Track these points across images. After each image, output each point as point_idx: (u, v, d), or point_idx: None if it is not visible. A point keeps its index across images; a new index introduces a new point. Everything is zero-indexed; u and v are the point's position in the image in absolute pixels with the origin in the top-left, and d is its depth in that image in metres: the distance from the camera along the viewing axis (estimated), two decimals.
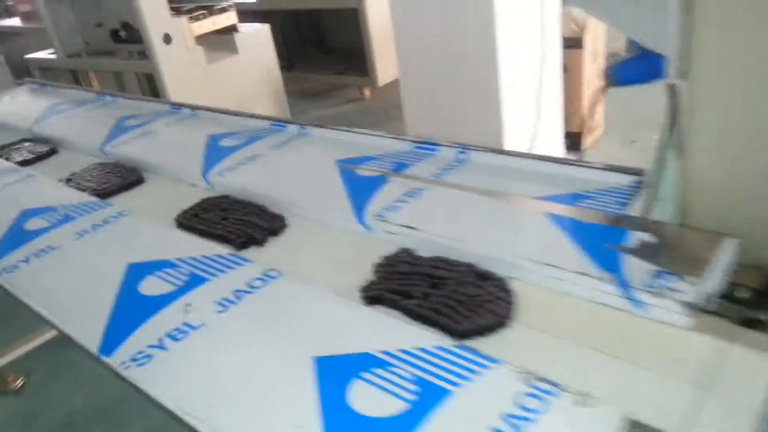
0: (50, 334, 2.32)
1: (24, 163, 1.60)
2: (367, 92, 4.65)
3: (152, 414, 2.14)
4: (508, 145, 2.91)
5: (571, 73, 3.30)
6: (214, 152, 1.42)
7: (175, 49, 3.27)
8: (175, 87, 3.30)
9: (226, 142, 1.47)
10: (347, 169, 1.24)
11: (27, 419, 2.17)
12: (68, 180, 1.42)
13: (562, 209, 0.94)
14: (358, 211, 1.06)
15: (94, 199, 1.29)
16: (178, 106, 1.78)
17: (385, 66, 4.47)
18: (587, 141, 3.54)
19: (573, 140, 3.46)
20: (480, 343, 0.76)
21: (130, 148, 1.54)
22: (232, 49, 3.65)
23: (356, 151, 1.31)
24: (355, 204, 1.09)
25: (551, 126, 3.15)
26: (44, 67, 3.84)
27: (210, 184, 1.30)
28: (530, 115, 2.94)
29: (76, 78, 3.85)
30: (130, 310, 0.89)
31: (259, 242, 1.07)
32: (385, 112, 4.32)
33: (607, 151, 3.49)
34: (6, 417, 2.18)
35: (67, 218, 1.20)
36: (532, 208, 0.97)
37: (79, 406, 2.21)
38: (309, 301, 0.86)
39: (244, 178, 1.28)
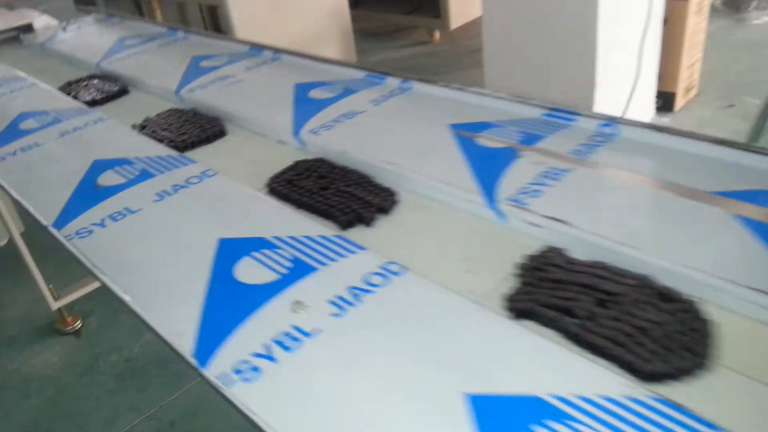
0: None
1: (93, 102, 1.46)
2: (436, 35, 4.38)
3: None
4: (599, 105, 2.65)
5: (671, 26, 2.98)
6: (305, 105, 1.25)
7: None
8: (240, 21, 3.11)
9: (316, 94, 1.30)
10: (465, 136, 1.06)
11: (86, 364, 2.13)
12: (142, 127, 1.28)
13: (763, 213, 0.75)
14: (487, 193, 0.89)
15: (172, 152, 1.14)
16: (258, 47, 1.60)
17: (459, 7, 4.18)
18: (680, 102, 3.24)
19: (665, 101, 3.16)
20: (674, 391, 0.59)
21: (208, 94, 1.38)
22: None
23: (471, 114, 1.13)
24: (482, 183, 0.91)
25: (644, 84, 2.86)
26: None
27: (302, 142, 1.14)
28: (627, 72, 2.67)
29: (138, 7, 3.70)
30: (227, 301, 0.74)
31: (366, 221, 0.91)
32: (457, 58, 4.06)
33: (701, 115, 3.19)
34: (65, 360, 2.15)
35: (144, 174, 1.06)
36: (720, 208, 0.78)
37: (137, 353, 2.16)
38: (444, 310, 0.70)
39: (343, 138, 1.11)
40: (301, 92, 1.32)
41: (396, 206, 0.94)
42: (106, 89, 1.51)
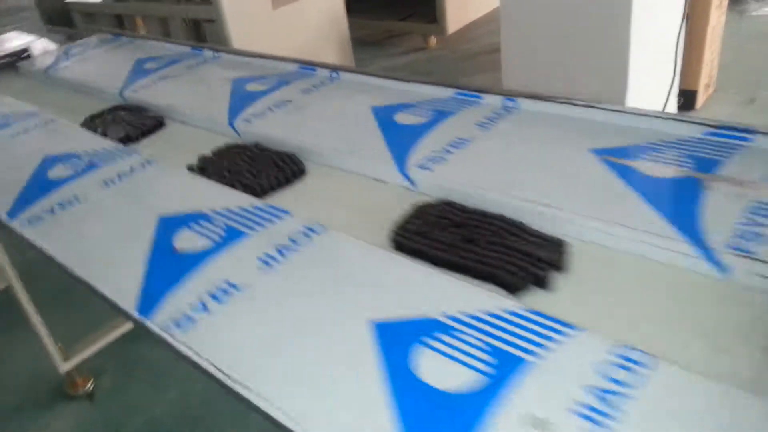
0: (124, 329, 1.99)
1: (127, 139, 1.24)
2: (432, 41, 4.21)
3: (249, 422, 1.86)
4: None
5: (694, 21, 2.86)
6: (396, 133, 1.06)
7: None
8: (238, 34, 2.90)
9: (404, 119, 1.11)
10: (618, 164, 0.88)
11: (106, 430, 1.86)
12: (201, 168, 1.07)
13: None
14: (693, 239, 0.71)
15: (252, 199, 0.94)
16: (309, 65, 1.40)
17: (455, 11, 4.03)
18: (701, 100, 3.13)
19: (685, 98, 3.05)
20: None
21: (271, 125, 1.17)
22: None
23: (609, 136, 0.95)
24: (678, 226, 0.73)
25: (669, 83, 2.73)
26: (87, 12, 3.43)
27: (411, 181, 0.95)
28: (658, 71, 2.53)
29: (120, 23, 3.44)
30: (430, 419, 0.55)
31: (542, 283, 0.72)
32: (457, 63, 3.90)
33: (725, 112, 3.09)
34: (82, 428, 1.88)
35: (232, 232, 0.86)
36: None
37: (160, 414, 1.89)
38: (739, 417, 0.51)
39: (464, 173, 0.92)
40: (384, 117, 1.12)
41: (565, 259, 0.75)
42: (139, 123, 1.29)
